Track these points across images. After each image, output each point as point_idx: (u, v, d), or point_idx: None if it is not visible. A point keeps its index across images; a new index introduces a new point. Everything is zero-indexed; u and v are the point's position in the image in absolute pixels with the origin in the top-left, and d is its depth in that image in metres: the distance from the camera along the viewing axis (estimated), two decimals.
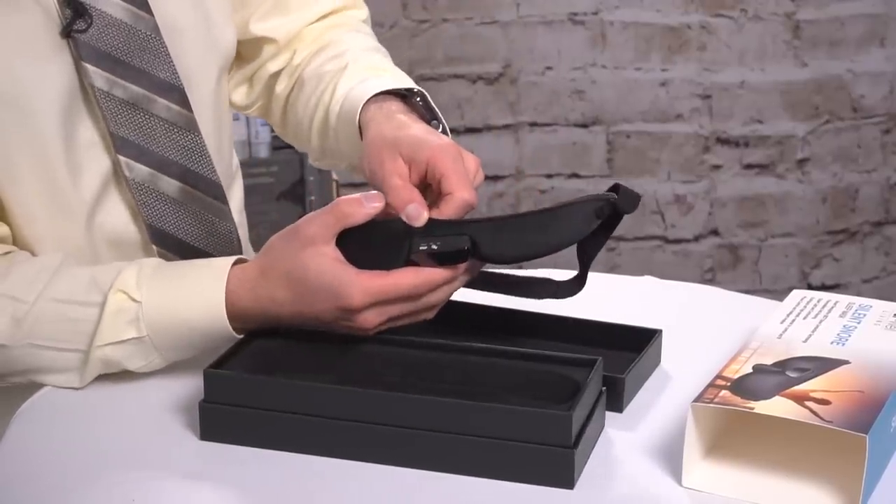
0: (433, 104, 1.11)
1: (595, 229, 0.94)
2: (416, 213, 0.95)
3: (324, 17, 1.28)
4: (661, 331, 1.03)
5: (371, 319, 0.95)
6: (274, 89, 1.28)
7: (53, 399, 0.99)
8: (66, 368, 1.01)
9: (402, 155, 1.00)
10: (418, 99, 1.10)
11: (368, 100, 1.09)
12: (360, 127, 1.09)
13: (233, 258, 1.01)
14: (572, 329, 1.03)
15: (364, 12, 1.32)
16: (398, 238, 0.94)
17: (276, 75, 1.27)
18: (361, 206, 0.95)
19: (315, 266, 0.95)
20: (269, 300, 0.97)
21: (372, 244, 0.95)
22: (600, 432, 0.92)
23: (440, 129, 1.06)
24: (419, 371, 0.94)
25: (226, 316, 0.98)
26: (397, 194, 0.96)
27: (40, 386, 1.01)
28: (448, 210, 0.97)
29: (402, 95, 1.10)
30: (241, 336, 0.99)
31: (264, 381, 0.91)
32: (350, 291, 0.94)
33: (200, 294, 0.99)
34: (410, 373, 0.94)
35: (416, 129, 1.03)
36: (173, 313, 0.99)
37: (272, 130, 1.48)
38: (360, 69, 1.17)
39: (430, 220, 0.94)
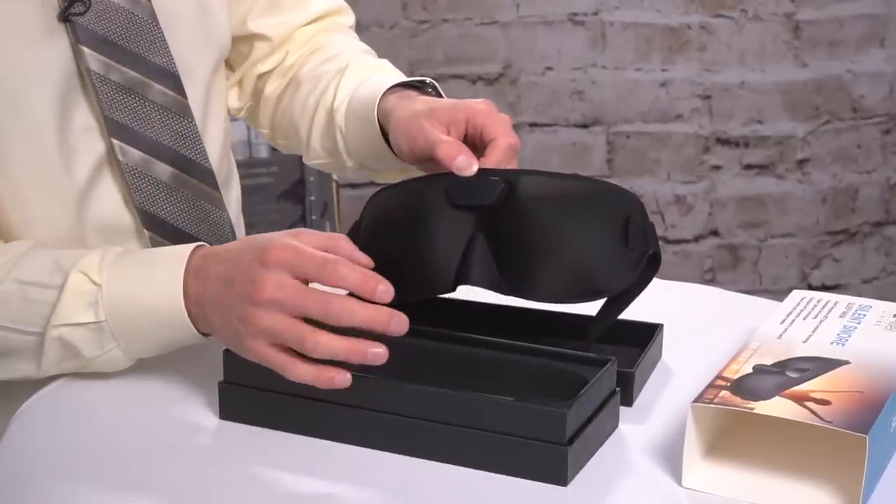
0: (444, 95, 1.13)
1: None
2: (467, 163, 0.96)
3: (315, 20, 1.30)
4: (662, 325, 1.04)
5: (277, 272, 0.88)
6: (263, 91, 1.29)
7: (53, 399, 0.99)
8: (22, 350, 0.99)
9: (439, 120, 1.02)
10: (430, 90, 1.13)
11: (384, 93, 1.11)
12: (378, 120, 1.10)
13: (195, 244, 0.97)
14: (572, 326, 1.03)
15: (350, 18, 1.34)
16: (436, 193, 0.96)
17: (265, 76, 1.28)
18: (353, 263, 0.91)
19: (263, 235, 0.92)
20: (205, 277, 0.93)
21: (416, 204, 0.96)
22: (611, 431, 0.92)
23: None
24: (434, 363, 0.95)
25: (183, 303, 0.94)
26: (445, 149, 0.98)
27: (40, 386, 1.01)
28: (494, 154, 0.98)
29: (416, 87, 1.12)
30: (206, 335, 0.96)
31: None
32: (278, 238, 0.90)
33: (159, 278, 0.96)
34: (426, 364, 0.95)
35: (447, 100, 1.07)
36: (132, 299, 0.96)
37: None
38: (362, 69, 1.20)
39: (479, 171, 0.97)
